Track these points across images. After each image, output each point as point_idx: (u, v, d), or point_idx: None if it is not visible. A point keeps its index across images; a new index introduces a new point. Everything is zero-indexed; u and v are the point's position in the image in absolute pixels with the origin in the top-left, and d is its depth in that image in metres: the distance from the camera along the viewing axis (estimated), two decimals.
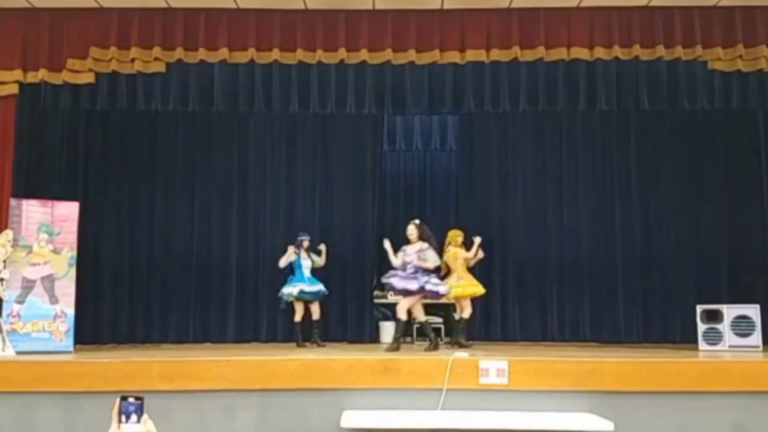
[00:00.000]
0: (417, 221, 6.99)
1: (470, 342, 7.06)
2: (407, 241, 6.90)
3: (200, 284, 8.30)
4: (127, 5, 6.72)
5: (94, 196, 8.03)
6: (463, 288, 7.13)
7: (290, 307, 7.43)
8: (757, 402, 5.05)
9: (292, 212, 8.48)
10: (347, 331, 8.15)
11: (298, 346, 7.21)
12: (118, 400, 2.17)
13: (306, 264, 7.42)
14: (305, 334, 7.34)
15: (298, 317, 7.39)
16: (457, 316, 7.30)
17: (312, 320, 7.40)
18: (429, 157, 9.54)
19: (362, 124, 8.41)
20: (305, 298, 7.34)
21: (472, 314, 7.24)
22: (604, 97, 7.23)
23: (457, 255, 7.21)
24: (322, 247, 7.64)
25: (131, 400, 2.17)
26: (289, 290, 7.31)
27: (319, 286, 7.38)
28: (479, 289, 7.22)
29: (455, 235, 7.33)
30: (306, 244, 7.49)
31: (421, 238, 6.83)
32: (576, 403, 5.01)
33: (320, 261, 7.57)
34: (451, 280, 7.12)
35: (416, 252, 6.72)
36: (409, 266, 6.70)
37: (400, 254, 6.82)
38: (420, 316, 6.86)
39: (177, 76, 7.12)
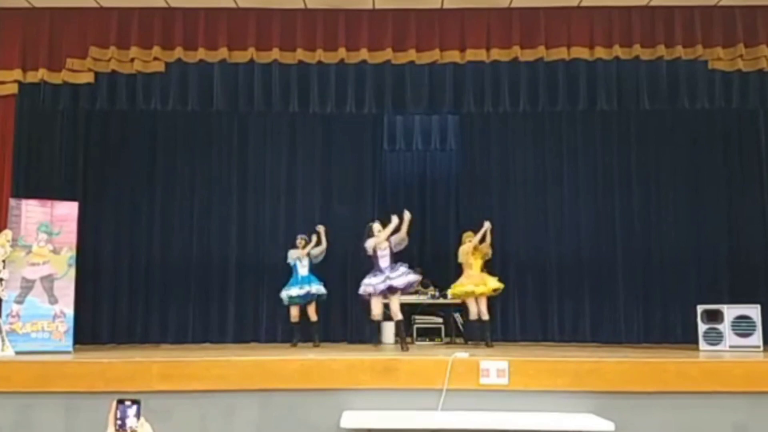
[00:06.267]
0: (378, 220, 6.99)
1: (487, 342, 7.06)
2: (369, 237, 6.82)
3: (200, 284, 8.30)
4: (127, 5, 6.71)
5: (94, 196, 8.03)
6: (458, 287, 7.22)
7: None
8: (758, 402, 5.01)
9: (291, 212, 8.47)
10: (347, 332, 8.14)
11: (292, 346, 7.23)
12: (114, 402, 2.14)
13: (301, 263, 7.40)
14: (303, 335, 7.34)
15: (292, 318, 7.41)
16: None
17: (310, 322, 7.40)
18: (429, 156, 9.50)
19: (362, 123, 8.41)
20: (296, 303, 7.34)
21: (482, 314, 7.21)
22: (604, 97, 7.23)
23: (464, 251, 7.26)
24: (320, 228, 7.48)
25: (128, 402, 2.14)
26: (283, 294, 7.35)
27: (310, 288, 7.28)
28: (473, 289, 7.12)
29: (465, 237, 7.39)
30: (300, 243, 7.48)
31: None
32: (576, 403, 4.98)
33: (318, 250, 7.44)
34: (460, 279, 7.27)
35: (386, 239, 6.70)
36: (383, 259, 6.69)
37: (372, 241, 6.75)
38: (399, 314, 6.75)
39: (176, 76, 7.12)
